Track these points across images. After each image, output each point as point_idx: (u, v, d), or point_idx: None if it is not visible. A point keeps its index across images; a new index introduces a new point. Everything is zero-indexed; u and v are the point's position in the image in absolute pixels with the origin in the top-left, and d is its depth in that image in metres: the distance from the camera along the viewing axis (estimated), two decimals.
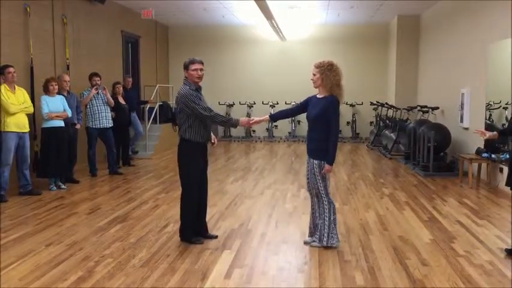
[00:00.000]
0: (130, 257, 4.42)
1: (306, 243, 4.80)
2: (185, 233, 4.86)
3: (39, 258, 4.40)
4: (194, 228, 4.88)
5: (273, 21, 12.00)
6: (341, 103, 4.61)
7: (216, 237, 5.01)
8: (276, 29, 13.18)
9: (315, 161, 4.58)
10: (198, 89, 4.76)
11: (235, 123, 4.86)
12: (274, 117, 5.07)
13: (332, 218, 4.64)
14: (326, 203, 4.63)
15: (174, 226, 5.35)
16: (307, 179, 4.74)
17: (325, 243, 4.62)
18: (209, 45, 15.03)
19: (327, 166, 4.53)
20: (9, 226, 5.42)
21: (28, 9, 7.91)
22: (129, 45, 12.54)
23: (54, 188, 7.35)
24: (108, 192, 7.40)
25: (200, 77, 4.73)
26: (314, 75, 4.58)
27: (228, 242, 4.87)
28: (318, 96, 4.65)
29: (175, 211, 5.87)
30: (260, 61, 15.30)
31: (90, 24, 10.05)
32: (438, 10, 11.27)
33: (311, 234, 4.84)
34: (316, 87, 4.66)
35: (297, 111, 5.06)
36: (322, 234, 4.65)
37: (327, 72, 4.50)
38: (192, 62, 4.71)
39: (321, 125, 4.53)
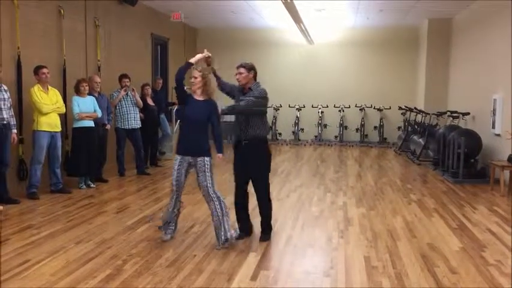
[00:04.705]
0: (157, 257, 4.47)
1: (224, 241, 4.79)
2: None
3: (69, 255, 4.50)
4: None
5: (301, 24, 11.97)
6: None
7: None
8: (304, 32, 13.15)
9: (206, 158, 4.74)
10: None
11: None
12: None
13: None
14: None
15: (201, 227, 5.40)
16: (198, 177, 4.82)
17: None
18: (237, 48, 15.06)
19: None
20: (42, 223, 5.56)
21: (62, 11, 8.10)
22: (158, 47, 12.70)
23: (84, 186, 7.50)
24: (136, 192, 7.51)
25: (238, 80, 5.07)
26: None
27: (254, 244, 4.89)
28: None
29: (202, 212, 5.93)
30: (287, 64, 15.25)
31: (120, 26, 10.21)
32: (470, 13, 11.06)
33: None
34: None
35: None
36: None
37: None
38: None
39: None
